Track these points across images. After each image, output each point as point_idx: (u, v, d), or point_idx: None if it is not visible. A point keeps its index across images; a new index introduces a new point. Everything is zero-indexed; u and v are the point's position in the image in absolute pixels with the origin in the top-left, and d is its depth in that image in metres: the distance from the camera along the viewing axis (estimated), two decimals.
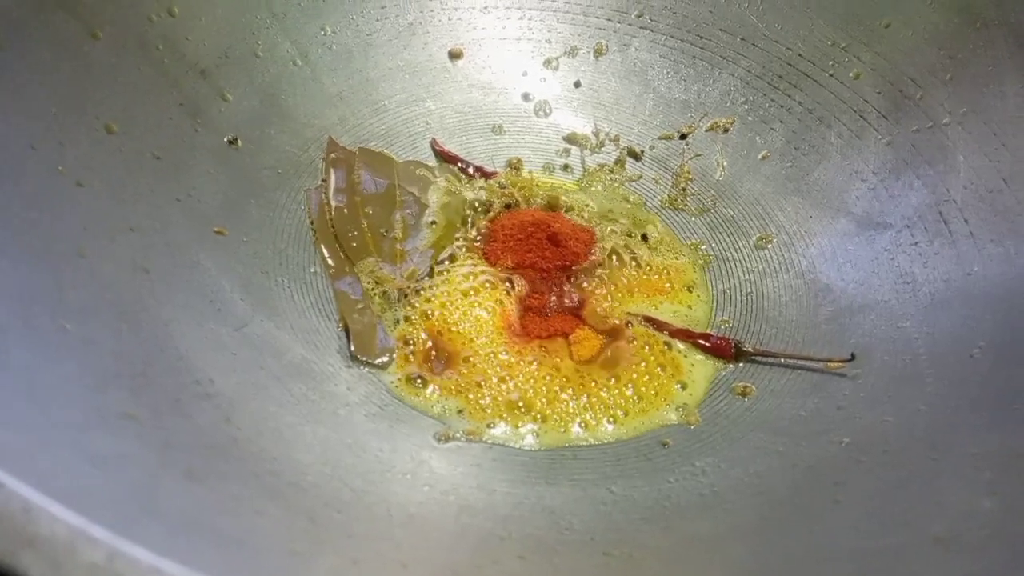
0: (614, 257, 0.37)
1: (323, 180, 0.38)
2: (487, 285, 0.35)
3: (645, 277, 0.37)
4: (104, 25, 0.32)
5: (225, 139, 0.35)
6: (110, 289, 0.26)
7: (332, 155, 0.38)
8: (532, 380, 0.32)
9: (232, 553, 0.16)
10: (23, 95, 0.27)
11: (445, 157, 0.41)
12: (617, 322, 0.35)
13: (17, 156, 0.26)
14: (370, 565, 0.20)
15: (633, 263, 0.37)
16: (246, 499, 0.21)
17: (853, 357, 0.31)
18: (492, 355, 0.33)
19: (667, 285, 0.37)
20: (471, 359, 0.33)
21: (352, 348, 0.32)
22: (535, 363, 0.33)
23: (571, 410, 0.32)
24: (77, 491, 0.15)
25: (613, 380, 0.33)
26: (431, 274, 0.35)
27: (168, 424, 0.22)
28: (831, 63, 0.40)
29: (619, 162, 0.42)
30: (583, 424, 0.31)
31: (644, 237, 0.39)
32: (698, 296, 0.37)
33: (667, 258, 0.38)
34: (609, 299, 0.36)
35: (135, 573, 0.11)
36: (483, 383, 0.32)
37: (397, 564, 0.20)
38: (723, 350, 0.34)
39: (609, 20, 0.44)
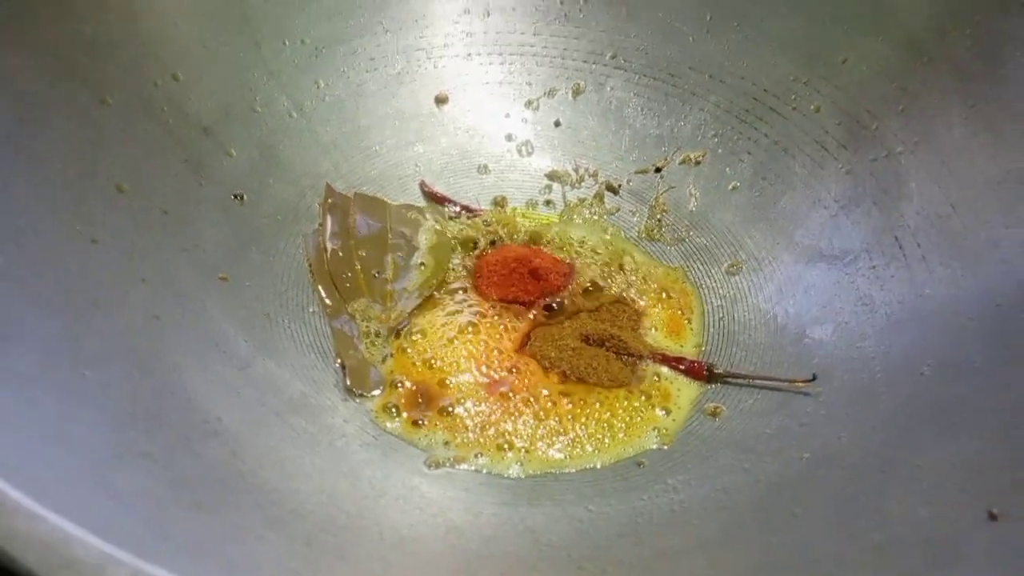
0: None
1: (320, 225, 0.40)
2: (471, 328, 0.37)
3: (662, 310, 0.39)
4: (113, 91, 0.34)
5: (232, 195, 0.38)
6: (124, 337, 0.28)
7: (329, 200, 0.41)
8: (515, 426, 0.34)
9: (237, 575, 0.18)
10: (43, 162, 0.30)
11: (434, 198, 0.44)
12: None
13: (39, 218, 0.29)
14: None
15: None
16: (249, 528, 0.23)
17: (815, 377, 0.33)
18: (475, 403, 0.35)
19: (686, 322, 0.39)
20: (458, 403, 0.35)
21: (348, 382, 0.35)
22: (518, 413, 0.35)
23: (554, 447, 0.34)
24: (100, 523, 0.17)
25: (597, 416, 0.35)
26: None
27: (179, 461, 0.24)
28: (793, 97, 0.42)
29: (598, 196, 0.45)
30: (568, 456, 0.33)
31: (620, 267, 0.41)
32: (691, 329, 0.39)
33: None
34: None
35: None
36: (469, 427, 0.34)
37: None
38: (696, 373, 0.36)
39: (585, 62, 0.47)
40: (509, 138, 0.46)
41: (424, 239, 0.41)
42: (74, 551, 0.14)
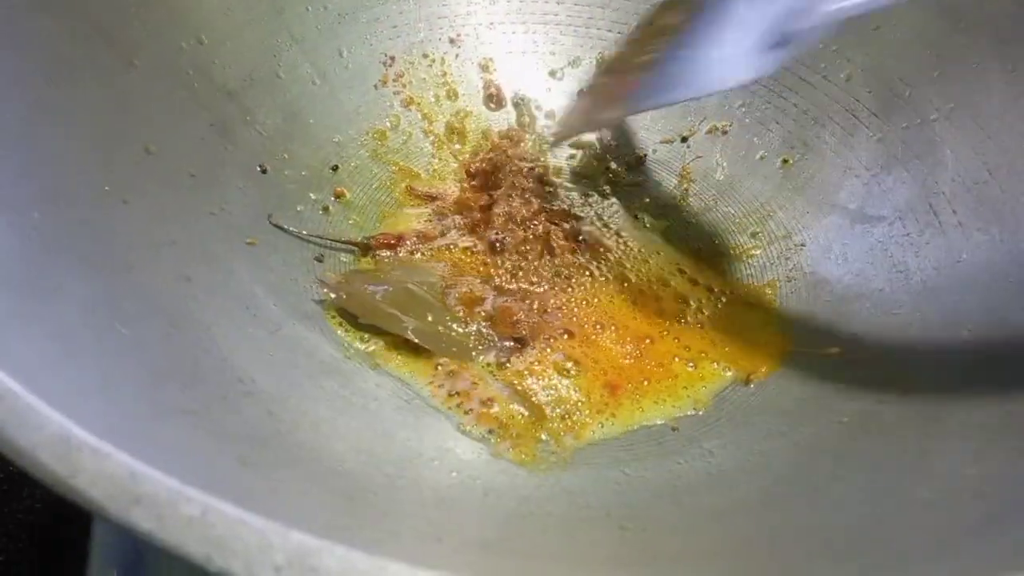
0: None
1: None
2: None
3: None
4: (140, 54, 0.34)
5: (257, 167, 0.37)
6: (158, 297, 0.28)
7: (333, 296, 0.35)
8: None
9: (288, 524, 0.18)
10: (74, 123, 0.30)
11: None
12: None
13: (70, 178, 0.29)
14: (407, 537, 0.22)
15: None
16: (291, 483, 0.23)
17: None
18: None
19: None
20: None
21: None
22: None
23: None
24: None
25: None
26: None
27: (219, 418, 0.24)
28: (823, 65, 0.42)
29: (624, 166, 0.44)
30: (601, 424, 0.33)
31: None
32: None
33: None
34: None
35: (226, 524, 0.13)
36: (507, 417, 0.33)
37: (432, 538, 0.23)
38: None
39: (609, 31, 0.46)
40: (533, 107, 0.46)
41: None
42: (142, 487, 0.14)
